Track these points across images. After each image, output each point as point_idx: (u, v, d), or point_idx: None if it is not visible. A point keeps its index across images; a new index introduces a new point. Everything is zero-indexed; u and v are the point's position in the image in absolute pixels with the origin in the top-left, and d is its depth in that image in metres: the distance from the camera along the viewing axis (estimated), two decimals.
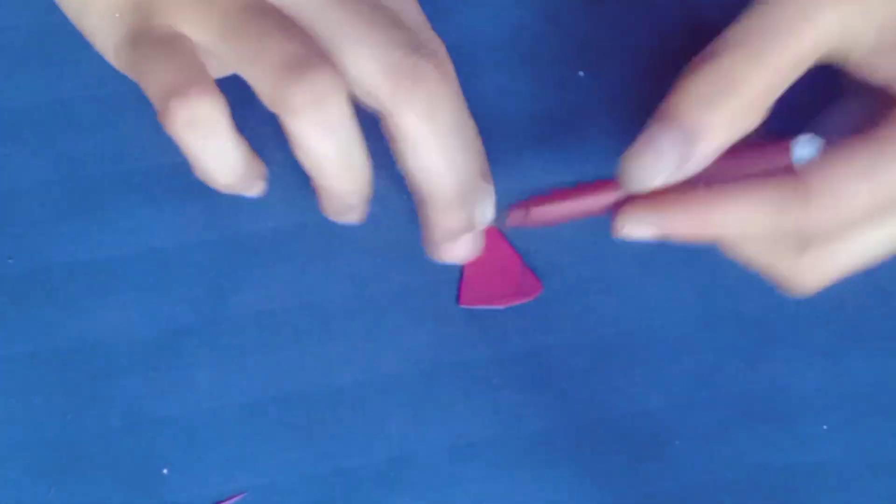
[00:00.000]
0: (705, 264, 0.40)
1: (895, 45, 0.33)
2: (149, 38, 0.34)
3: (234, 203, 0.38)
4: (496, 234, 0.39)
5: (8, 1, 0.39)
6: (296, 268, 0.38)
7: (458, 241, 0.37)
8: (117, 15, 0.35)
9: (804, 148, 0.32)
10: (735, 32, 0.34)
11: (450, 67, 0.37)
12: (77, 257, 0.38)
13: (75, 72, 0.38)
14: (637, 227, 0.34)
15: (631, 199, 0.34)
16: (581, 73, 0.41)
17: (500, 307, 0.39)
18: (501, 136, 0.40)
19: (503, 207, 0.39)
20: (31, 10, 0.38)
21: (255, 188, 0.37)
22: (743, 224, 0.33)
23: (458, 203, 0.35)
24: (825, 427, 0.39)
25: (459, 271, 0.39)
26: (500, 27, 0.41)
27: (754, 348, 0.40)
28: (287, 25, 0.34)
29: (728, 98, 0.32)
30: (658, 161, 0.33)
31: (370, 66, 0.34)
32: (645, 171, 0.33)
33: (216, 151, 0.34)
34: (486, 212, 0.38)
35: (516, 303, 0.39)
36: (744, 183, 0.33)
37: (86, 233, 0.38)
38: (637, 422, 0.39)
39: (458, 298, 0.39)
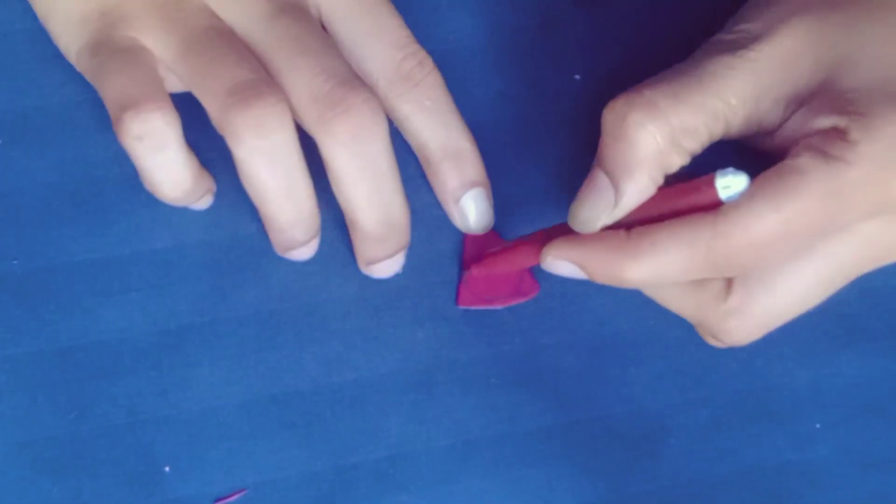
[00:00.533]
0: None
1: (800, 119, 0.34)
2: (110, 46, 0.35)
3: (234, 204, 0.38)
4: (495, 236, 0.39)
5: (12, 6, 0.39)
6: (295, 268, 0.38)
7: (382, 263, 0.37)
8: (83, 20, 0.35)
9: (728, 181, 0.32)
10: (661, 74, 0.35)
11: (437, 76, 0.38)
12: (80, 258, 0.38)
13: (79, 76, 0.37)
14: (558, 265, 0.35)
15: (560, 236, 0.35)
16: (577, 77, 0.42)
17: (498, 307, 0.39)
18: (498, 140, 0.40)
19: (499, 210, 0.39)
20: (34, 14, 0.38)
21: (201, 202, 0.38)
22: (657, 265, 0.33)
23: (378, 236, 0.36)
24: (818, 425, 0.40)
25: (458, 272, 0.39)
26: (496, 32, 0.41)
27: (748, 348, 0.39)
28: (242, 51, 0.35)
29: (648, 133, 0.33)
30: (597, 203, 0.34)
31: (302, 92, 0.34)
32: (588, 214, 0.34)
33: (165, 166, 0.34)
34: (485, 215, 0.39)
35: (514, 303, 0.39)
36: (660, 224, 0.33)
37: (88, 234, 0.38)
38: (632, 420, 0.39)
39: (456, 299, 0.39)
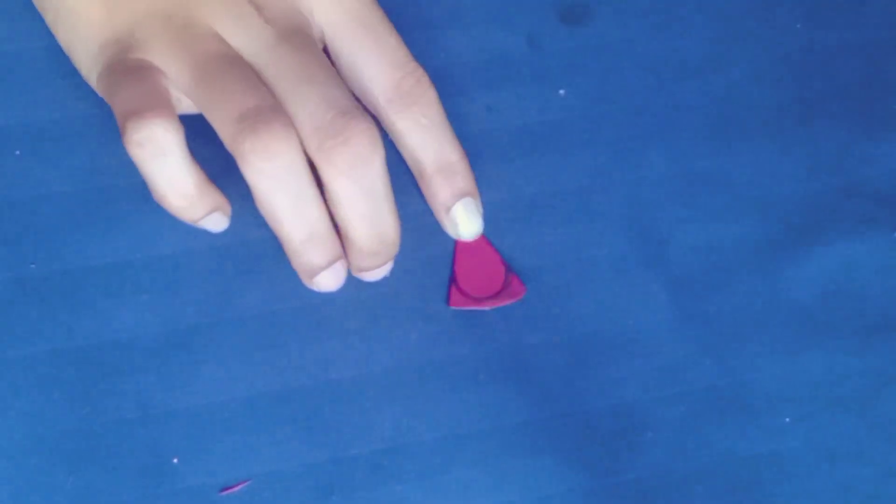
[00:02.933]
0: (677, 268, 0.41)
1: None
2: (123, 67, 0.35)
3: (238, 211, 0.39)
4: (484, 241, 0.40)
5: (31, 23, 0.40)
6: (295, 272, 0.38)
7: (374, 272, 0.38)
8: (101, 47, 0.36)
9: None
10: None
11: (433, 93, 0.38)
12: (93, 262, 0.38)
13: (93, 91, 0.38)
14: None
15: None
16: (561, 92, 0.42)
17: (487, 308, 0.40)
18: (488, 151, 0.41)
19: (488, 217, 0.40)
20: (51, 32, 0.39)
21: (214, 221, 0.37)
22: None
23: (371, 252, 0.37)
24: (787, 419, 0.40)
25: (450, 275, 0.40)
26: (485, 49, 0.42)
27: (722, 346, 0.40)
28: (250, 78, 0.35)
29: None
30: None
31: (304, 120, 0.35)
32: None
33: (167, 172, 0.35)
34: (474, 223, 0.39)
35: (502, 304, 0.40)
36: None
37: (102, 239, 0.39)
38: (612, 414, 0.39)
39: (447, 300, 0.40)
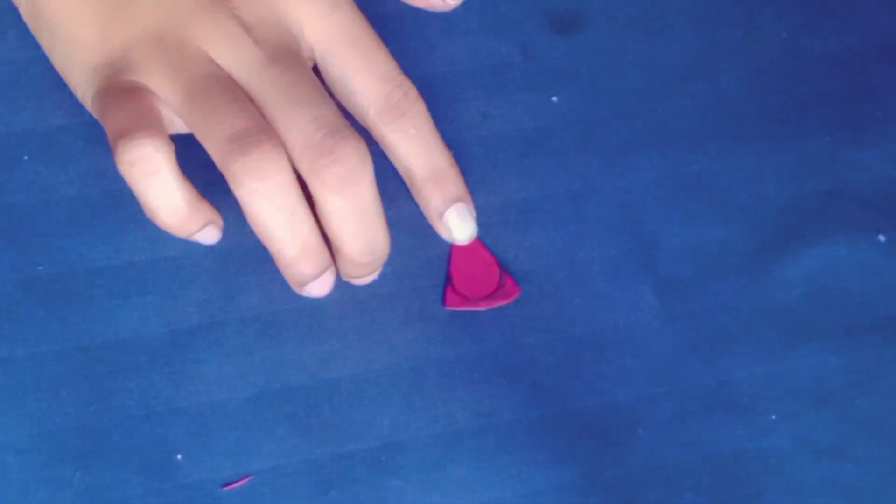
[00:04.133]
0: (666, 270, 0.41)
1: None
2: (115, 88, 0.36)
3: (239, 215, 0.38)
4: (479, 243, 0.41)
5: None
6: None
7: (363, 278, 0.39)
8: (94, 69, 0.36)
9: None
10: None
11: (421, 104, 0.38)
12: (99, 264, 0.39)
13: None
14: None
15: None
16: (554, 99, 0.43)
17: (482, 308, 0.40)
18: (482, 156, 0.42)
19: (482, 220, 0.40)
20: None
21: (206, 234, 0.37)
22: None
23: (360, 262, 0.37)
24: (773, 417, 0.40)
25: (445, 276, 0.40)
26: (480, 57, 0.43)
27: (710, 345, 0.41)
28: (239, 99, 0.35)
29: None
30: None
31: (295, 140, 0.35)
32: None
33: (157, 191, 0.35)
34: (467, 227, 0.40)
35: (496, 305, 0.40)
36: None
37: (107, 242, 0.39)
38: (604, 411, 0.39)
39: (443, 301, 0.40)
